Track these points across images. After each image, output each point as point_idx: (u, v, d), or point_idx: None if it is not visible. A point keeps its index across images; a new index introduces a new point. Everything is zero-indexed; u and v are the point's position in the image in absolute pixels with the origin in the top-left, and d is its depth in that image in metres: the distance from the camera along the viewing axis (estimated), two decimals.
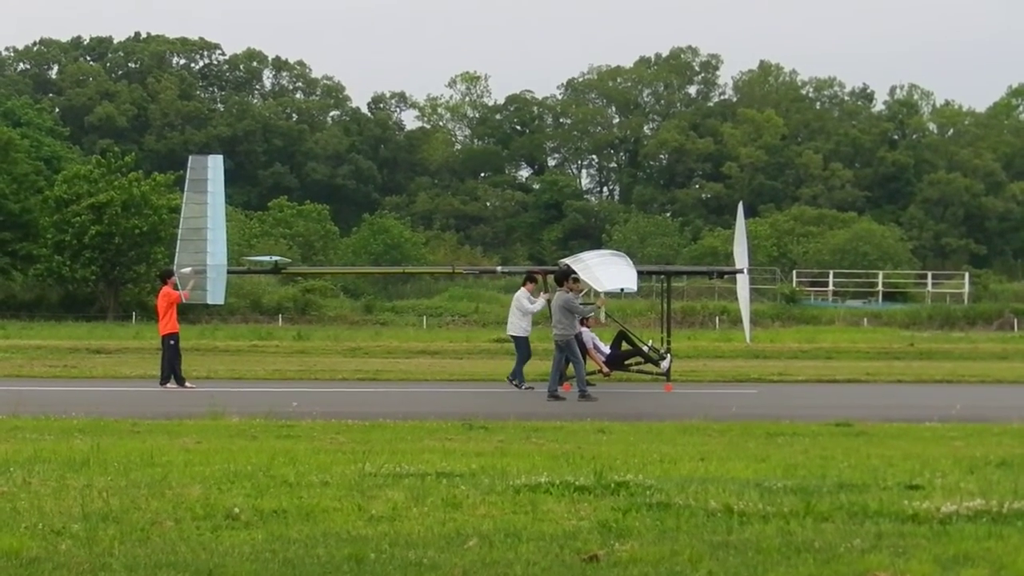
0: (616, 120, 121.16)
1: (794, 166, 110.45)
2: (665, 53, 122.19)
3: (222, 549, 8.89)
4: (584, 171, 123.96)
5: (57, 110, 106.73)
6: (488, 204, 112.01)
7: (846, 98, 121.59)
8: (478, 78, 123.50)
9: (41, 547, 8.89)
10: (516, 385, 25.79)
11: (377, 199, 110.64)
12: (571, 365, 24.18)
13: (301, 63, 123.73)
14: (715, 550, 8.84)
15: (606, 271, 25.08)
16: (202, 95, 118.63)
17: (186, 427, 17.07)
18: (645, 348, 26.99)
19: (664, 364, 26.32)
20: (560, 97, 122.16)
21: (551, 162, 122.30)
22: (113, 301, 65.91)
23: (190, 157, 28.59)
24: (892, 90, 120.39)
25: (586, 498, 10.77)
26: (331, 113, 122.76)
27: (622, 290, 24.85)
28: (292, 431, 16.55)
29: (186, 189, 27.73)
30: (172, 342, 25.93)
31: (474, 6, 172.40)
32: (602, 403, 22.73)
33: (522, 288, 26.49)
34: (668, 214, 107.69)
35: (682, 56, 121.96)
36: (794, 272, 77.05)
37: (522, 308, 26.09)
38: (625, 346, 27.20)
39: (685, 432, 16.84)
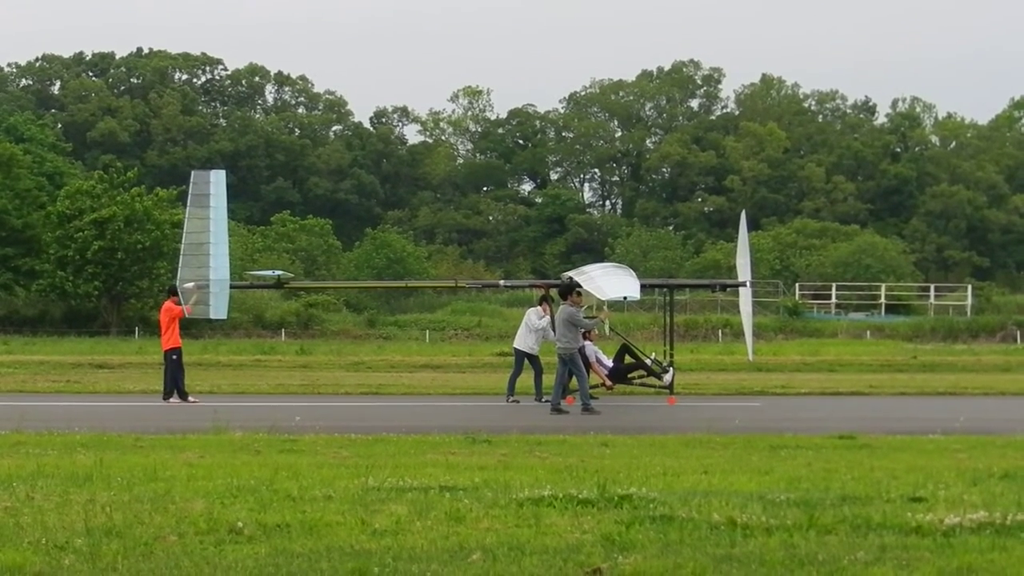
0: (618, 134, 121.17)
1: (796, 179, 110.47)
2: (667, 67, 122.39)
3: (225, 564, 8.89)
4: (586, 185, 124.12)
5: (59, 126, 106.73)
6: (490, 218, 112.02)
7: (848, 111, 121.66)
8: (480, 92, 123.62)
9: (44, 562, 8.89)
10: (537, 399, 25.82)
11: (379, 213, 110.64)
12: (574, 378, 24.24)
13: (303, 78, 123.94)
14: (718, 563, 8.84)
15: (609, 280, 25.32)
16: (204, 110, 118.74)
17: (189, 442, 17.07)
18: (648, 361, 27.01)
19: (666, 377, 26.31)
20: (562, 111, 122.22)
21: (553, 176, 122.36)
22: (116, 316, 65.85)
23: (192, 172, 28.60)
24: (894, 103, 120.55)
25: (589, 511, 10.77)
26: (333, 128, 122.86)
27: (625, 298, 25.28)
28: (295, 445, 16.56)
29: (188, 204, 27.72)
30: (175, 357, 25.98)
31: (476, 21, 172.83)
32: (605, 416, 22.73)
33: (538, 307, 26.63)
34: (671, 227, 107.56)
35: (684, 70, 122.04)
36: (797, 285, 76.97)
37: (529, 324, 26.34)
38: (628, 359, 27.22)
39: (688, 445, 16.84)
